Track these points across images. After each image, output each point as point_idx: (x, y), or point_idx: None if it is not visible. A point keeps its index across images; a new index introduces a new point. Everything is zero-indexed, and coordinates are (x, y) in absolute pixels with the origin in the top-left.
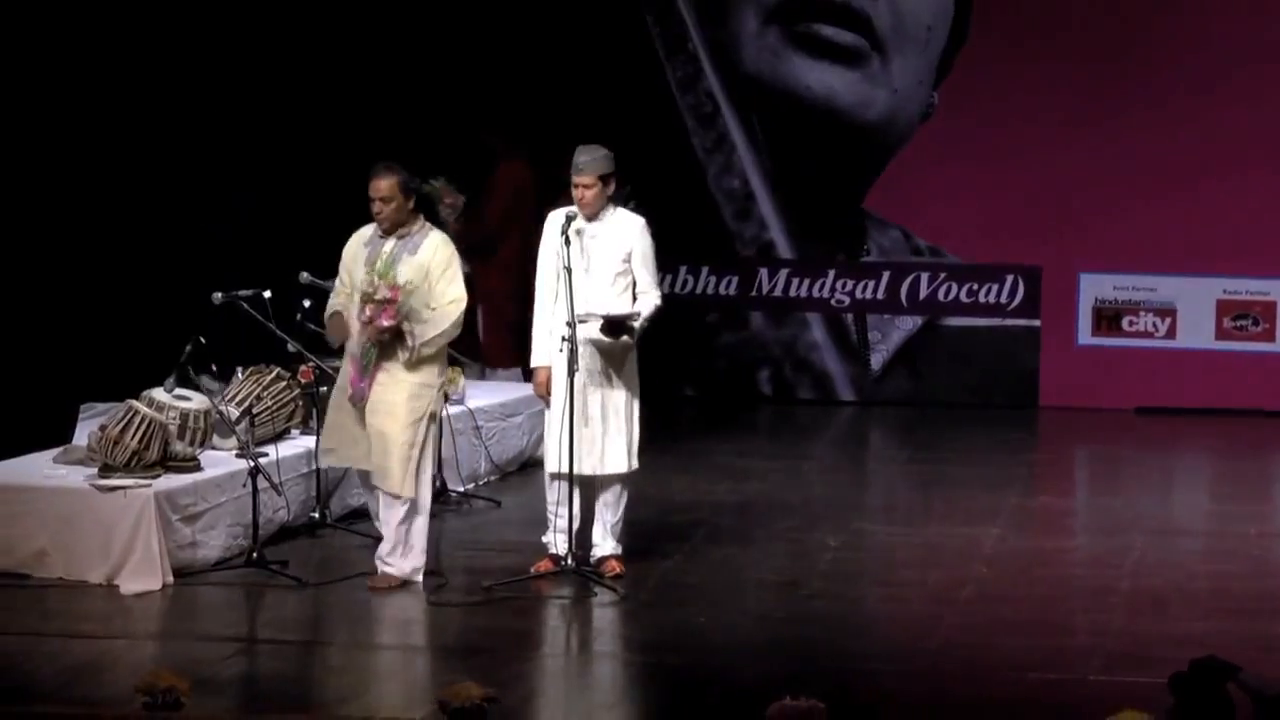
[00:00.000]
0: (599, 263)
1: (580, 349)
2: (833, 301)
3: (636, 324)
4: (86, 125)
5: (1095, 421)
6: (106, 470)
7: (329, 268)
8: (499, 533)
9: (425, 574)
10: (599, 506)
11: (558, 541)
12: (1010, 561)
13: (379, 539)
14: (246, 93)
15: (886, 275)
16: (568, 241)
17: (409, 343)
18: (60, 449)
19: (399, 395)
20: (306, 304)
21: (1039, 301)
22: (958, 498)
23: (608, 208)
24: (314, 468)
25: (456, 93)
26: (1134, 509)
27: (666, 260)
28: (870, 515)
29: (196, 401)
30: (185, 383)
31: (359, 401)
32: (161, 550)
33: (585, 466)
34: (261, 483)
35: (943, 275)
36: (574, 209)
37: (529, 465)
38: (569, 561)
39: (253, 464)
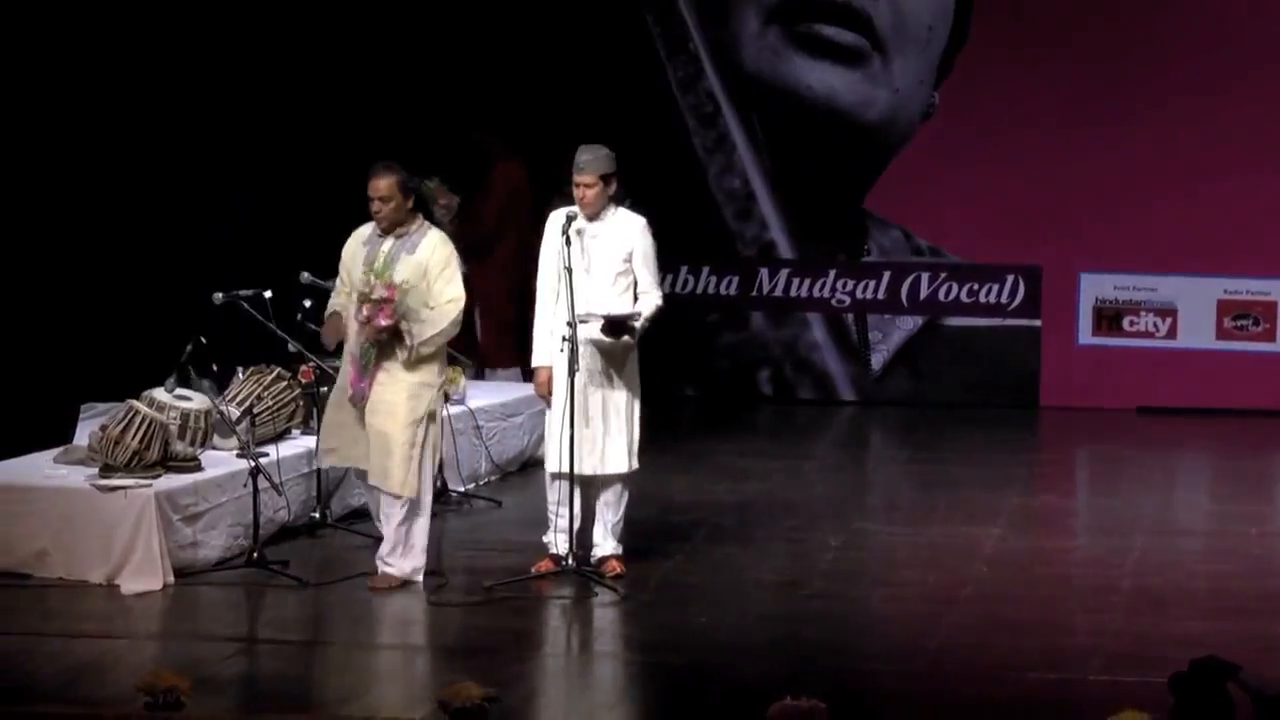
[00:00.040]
0: (600, 263)
1: (581, 349)
2: (833, 301)
3: (637, 324)
4: (87, 126)
5: (1096, 421)
6: (107, 470)
7: (329, 267)
8: (499, 533)
9: (426, 574)
10: (600, 506)
11: (558, 541)
12: (1011, 561)
13: (379, 539)
14: (247, 93)
15: (887, 275)
16: (568, 241)
17: (407, 342)
18: (61, 449)
19: (398, 395)
20: (307, 304)
21: (1040, 301)
22: (958, 498)
23: (609, 207)
24: (315, 468)
25: (454, 93)
26: (1134, 509)
27: (667, 260)
28: (871, 515)
29: (197, 401)
30: (186, 383)
31: (359, 401)
32: (162, 550)
33: (586, 466)
34: (262, 483)
35: (943, 275)
36: (575, 209)
37: (529, 465)
38: (570, 561)
39: (253, 464)
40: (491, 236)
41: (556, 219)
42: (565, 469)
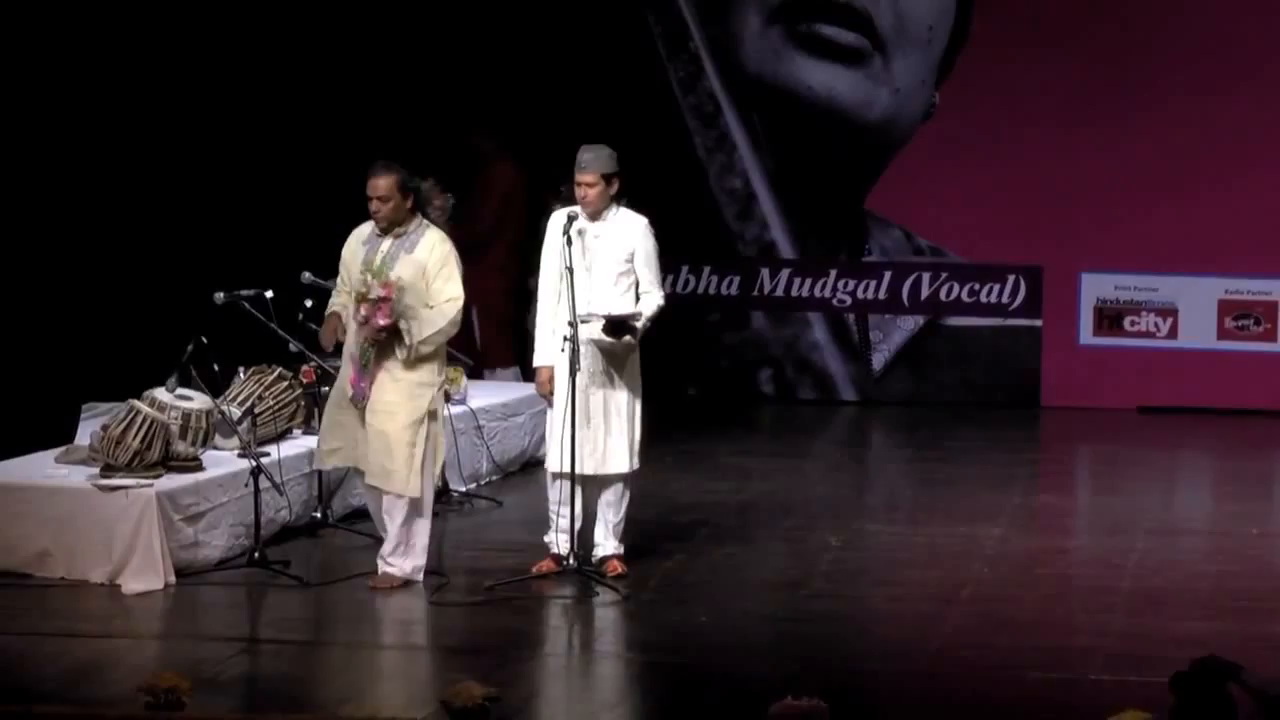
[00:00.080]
0: (601, 262)
1: (582, 349)
2: (834, 301)
3: (639, 324)
4: (89, 126)
5: (1097, 421)
6: (108, 470)
7: (330, 267)
8: (501, 533)
9: (427, 574)
10: (601, 506)
11: (559, 541)
12: (1012, 561)
13: (380, 539)
14: (248, 92)
15: (888, 275)
16: (569, 241)
17: (406, 341)
18: (62, 449)
19: (398, 395)
20: (308, 304)
21: (1040, 301)
22: (959, 497)
23: (611, 207)
24: (315, 469)
25: (451, 93)
26: (1135, 508)
27: (668, 260)
28: (872, 515)
29: (198, 401)
30: (187, 382)
31: (360, 401)
32: (163, 550)
33: (587, 466)
34: (263, 482)
35: (944, 275)
36: (576, 209)
37: (531, 465)
38: (571, 561)
39: (255, 464)
40: (488, 237)
41: (558, 219)
42: (566, 469)
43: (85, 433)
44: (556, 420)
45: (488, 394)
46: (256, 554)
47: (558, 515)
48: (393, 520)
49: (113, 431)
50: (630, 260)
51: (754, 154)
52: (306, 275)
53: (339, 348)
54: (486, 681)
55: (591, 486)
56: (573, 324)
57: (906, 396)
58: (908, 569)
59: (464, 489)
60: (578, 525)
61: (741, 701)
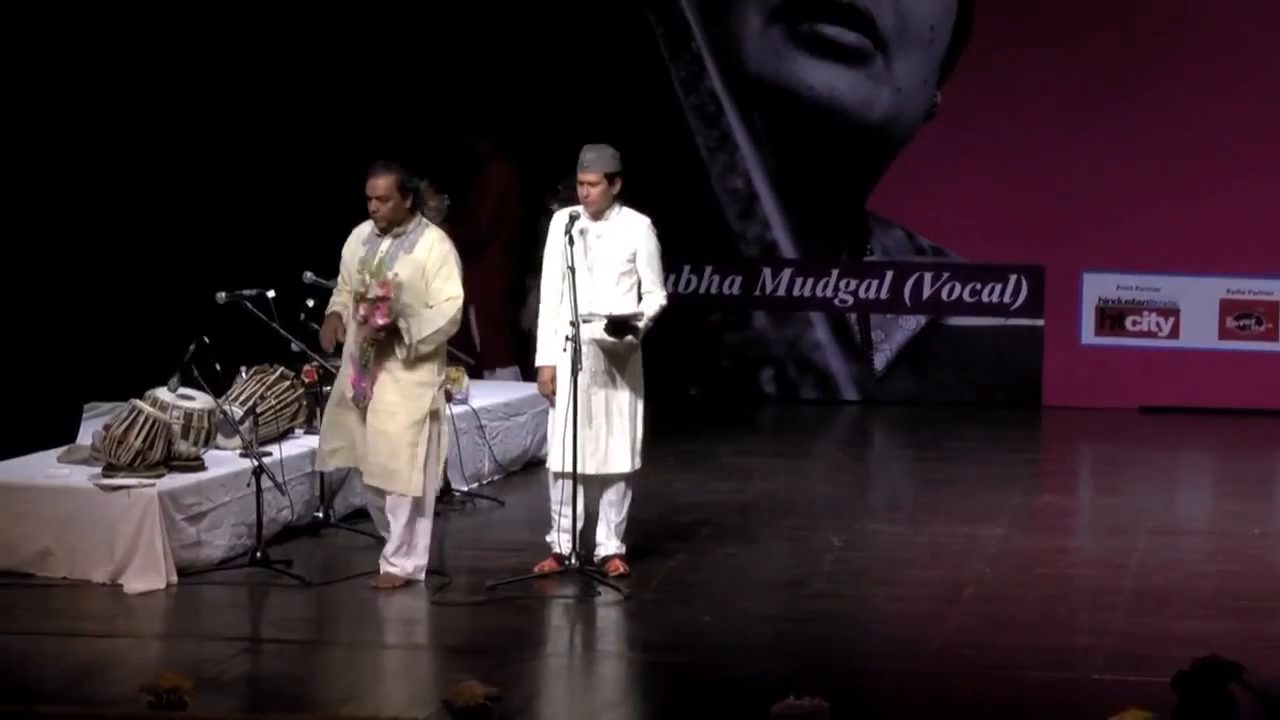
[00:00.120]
0: (603, 262)
1: (584, 348)
2: (836, 301)
3: (640, 324)
4: (90, 126)
5: (1098, 421)
6: (110, 470)
7: (332, 267)
8: (503, 532)
9: (429, 573)
10: (602, 506)
11: (561, 541)
12: (1013, 561)
13: (382, 539)
14: (249, 92)
15: (890, 275)
16: (571, 241)
17: (405, 340)
18: (64, 448)
19: (399, 395)
20: (310, 303)
21: (1042, 301)
22: (961, 497)
23: (613, 207)
24: (317, 470)
25: (450, 94)
26: (1137, 508)
27: (669, 260)
28: (873, 515)
29: (200, 401)
30: (189, 382)
31: (362, 401)
32: (165, 550)
33: (588, 466)
34: (265, 482)
35: (946, 275)
36: (578, 208)
37: (532, 465)
38: (573, 561)
39: (256, 463)
40: (484, 237)
41: (560, 218)
42: (568, 468)
43: (87, 432)
44: (558, 420)
45: (489, 393)
46: (258, 554)
47: (559, 515)
48: (396, 520)
49: (115, 431)
50: (632, 260)
51: (756, 154)
52: (308, 275)
53: (340, 348)
54: (488, 681)
55: (593, 486)
56: (574, 324)
57: (908, 396)
58: (909, 569)
59: (466, 488)
60: (579, 525)
61: (743, 701)
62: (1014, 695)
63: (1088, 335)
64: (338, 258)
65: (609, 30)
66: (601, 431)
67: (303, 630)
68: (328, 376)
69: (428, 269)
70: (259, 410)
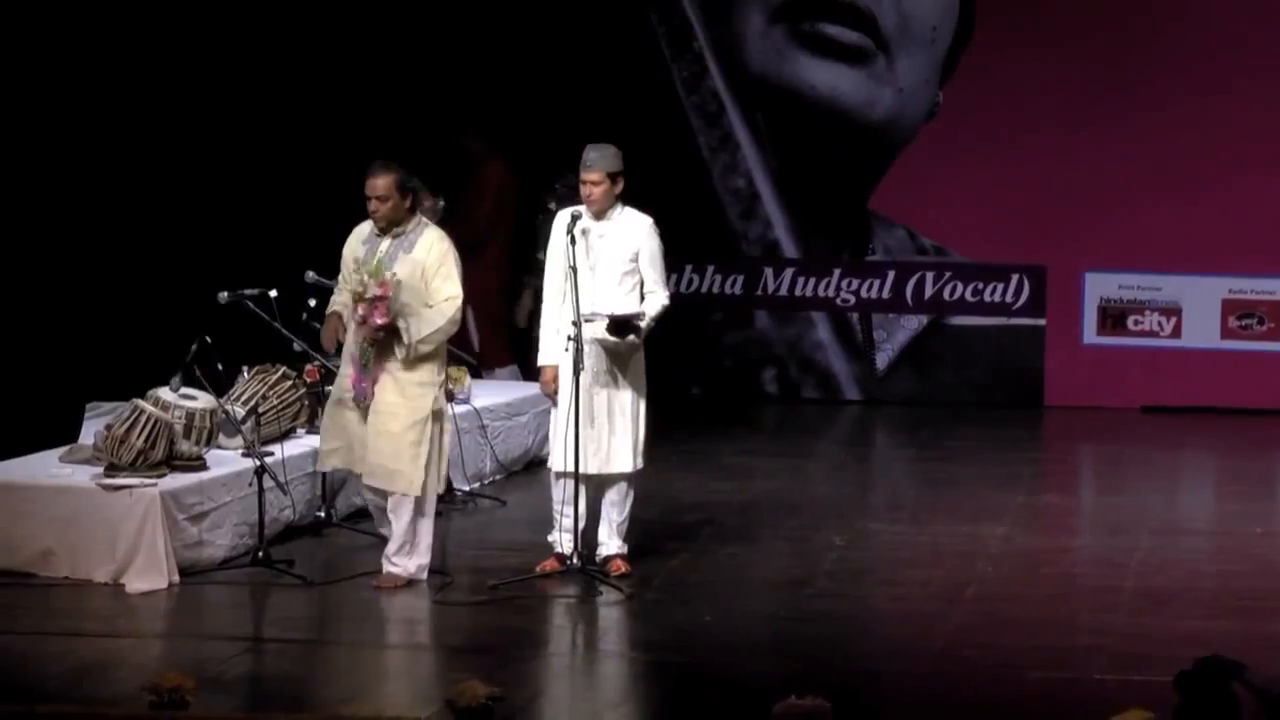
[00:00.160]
0: (606, 262)
1: (586, 348)
2: (838, 301)
3: (642, 324)
4: (91, 125)
5: (1100, 420)
6: (112, 469)
7: (334, 266)
8: (504, 532)
9: (431, 573)
10: (604, 505)
11: (563, 540)
12: (1015, 560)
13: (384, 538)
14: (250, 92)
15: (892, 274)
16: (573, 240)
17: (404, 339)
18: (66, 448)
19: (400, 396)
20: (312, 303)
21: (1044, 301)
22: (963, 497)
23: (616, 206)
24: (317, 470)
25: (448, 94)
26: (1139, 508)
27: (671, 260)
28: (875, 514)
29: (202, 401)
30: (191, 382)
31: (363, 401)
32: (167, 549)
33: (590, 466)
34: (267, 482)
35: (948, 274)
36: (580, 208)
37: (534, 464)
38: (574, 560)
39: (258, 463)
40: (481, 238)
41: (562, 218)
42: (570, 468)
43: (89, 432)
44: (560, 419)
45: (491, 393)
46: (260, 553)
47: (561, 514)
48: (398, 520)
49: (117, 431)
50: (635, 260)
51: (758, 153)
52: (310, 274)
53: (342, 347)
54: (490, 681)
55: (595, 486)
56: (576, 323)
57: (910, 396)
58: (911, 568)
59: (468, 488)
60: (581, 524)
61: (745, 701)
62: (1016, 695)
63: (1090, 335)
64: (339, 257)
65: (611, 30)
66: (603, 431)
67: (304, 630)
68: (330, 376)
69: (427, 268)
70: (261, 410)
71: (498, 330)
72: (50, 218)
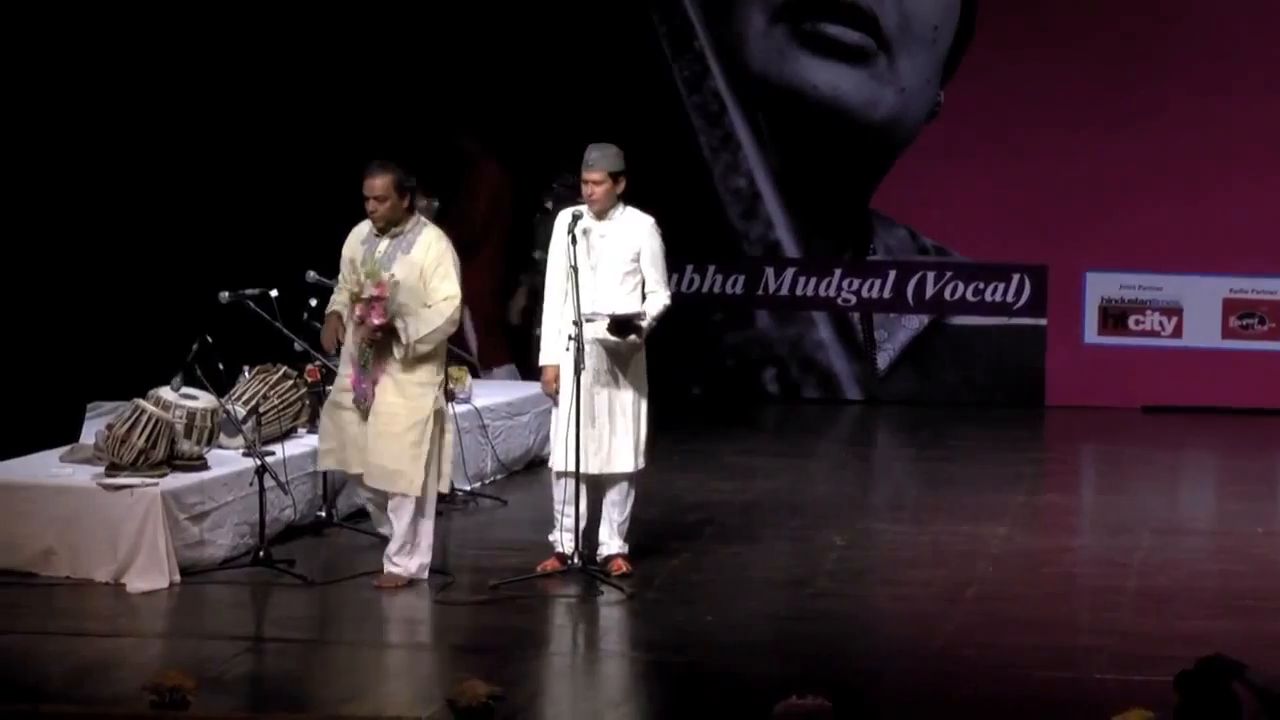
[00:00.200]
0: (607, 262)
1: (587, 348)
2: (839, 300)
3: (643, 324)
4: (92, 125)
5: (1101, 420)
6: (113, 469)
7: (335, 266)
8: (505, 531)
9: (432, 573)
10: (605, 505)
11: (564, 540)
12: (1016, 560)
13: (382, 538)
14: (250, 92)
15: (893, 274)
16: (574, 240)
17: (402, 339)
18: (67, 448)
19: (399, 396)
20: (313, 303)
21: (1045, 300)
22: (964, 496)
23: (617, 206)
24: (317, 469)
25: (447, 95)
26: (1140, 508)
27: (672, 259)
28: (876, 514)
29: (203, 400)
30: (192, 381)
31: (364, 402)
32: (168, 549)
33: (591, 465)
34: (268, 481)
35: (949, 274)
36: (581, 208)
37: (535, 464)
38: (576, 560)
39: (259, 463)
40: (477, 238)
41: (564, 218)
42: (571, 468)
43: (90, 432)
44: (561, 419)
45: (492, 393)
46: (261, 553)
47: (562, 514)
48: (399, 520)
49: (118, 430)
50: (636, 260)
51: (759, 153)
52: (311, 274)
53: (342, 348)
54: (491, 680)
55: (596, 486)
56: (578, 323)
57: (911, 396)
58: (912, 568)
59: (469, 488)
60: (582, 524)
61: (746, 700)
62: (1017, 695)
63: (1090, 334)
64: (339, 257)
65: (612, 30)
66: (604, 431)
67: (305, 629)
68: (331, 376)
69: (425, 268)
70: (262, 410)
71: (493, 330)
72: (51, 218)
